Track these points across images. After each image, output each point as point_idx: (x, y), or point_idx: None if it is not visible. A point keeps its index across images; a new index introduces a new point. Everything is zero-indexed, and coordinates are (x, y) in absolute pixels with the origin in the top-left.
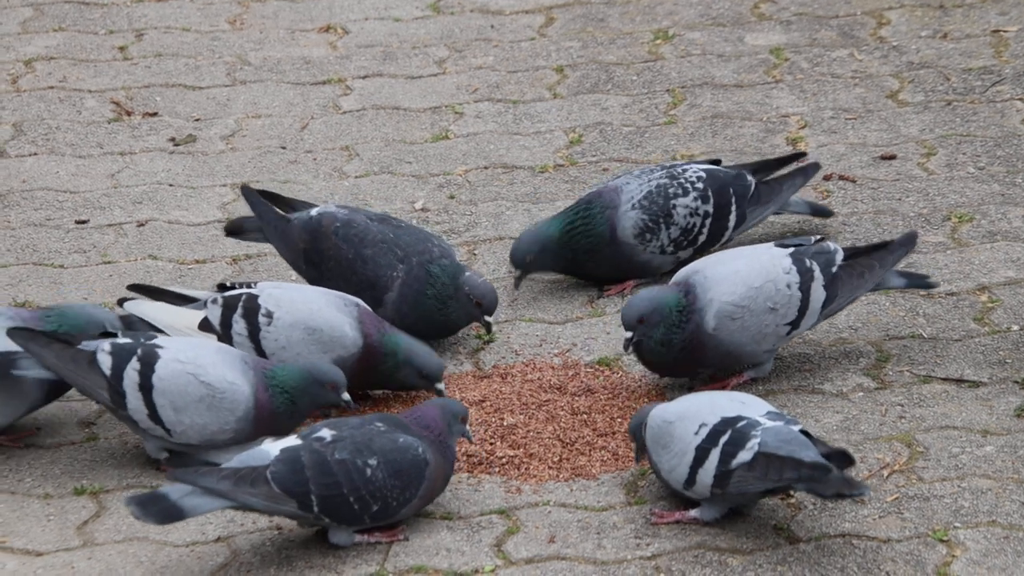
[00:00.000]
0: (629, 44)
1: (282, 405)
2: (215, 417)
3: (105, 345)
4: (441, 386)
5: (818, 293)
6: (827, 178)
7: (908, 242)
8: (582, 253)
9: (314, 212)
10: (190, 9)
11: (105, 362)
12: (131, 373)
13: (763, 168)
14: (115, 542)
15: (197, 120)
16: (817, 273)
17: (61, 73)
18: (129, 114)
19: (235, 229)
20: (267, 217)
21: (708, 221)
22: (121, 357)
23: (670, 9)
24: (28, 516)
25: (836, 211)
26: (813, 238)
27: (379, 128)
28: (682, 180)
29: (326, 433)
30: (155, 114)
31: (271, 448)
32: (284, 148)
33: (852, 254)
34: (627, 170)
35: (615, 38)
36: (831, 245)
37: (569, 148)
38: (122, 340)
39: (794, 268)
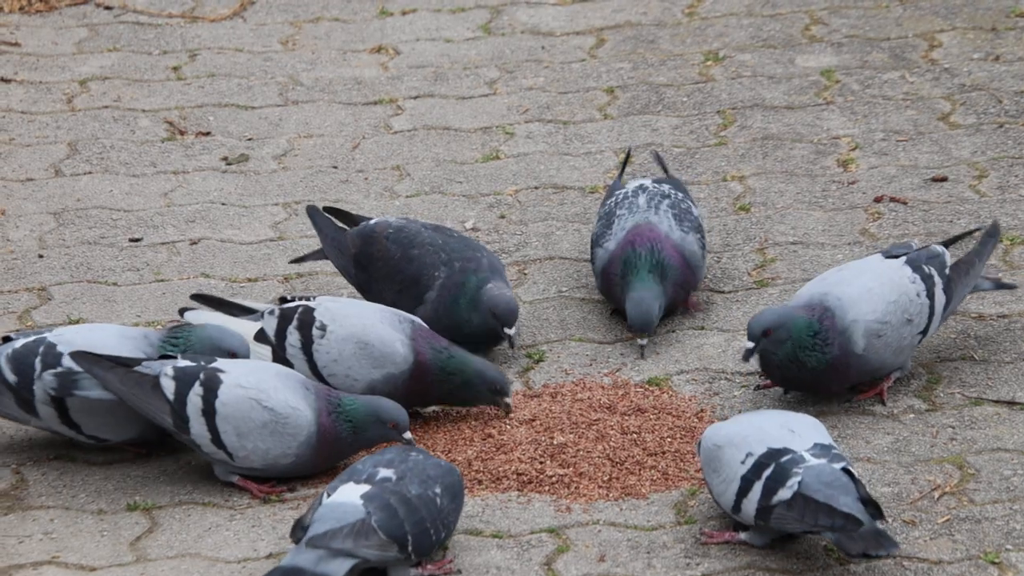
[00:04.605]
0: (679, 66)
1: (345, 432)
2: (277, 442)
3: (168, 369)
4: (509, 400)
5: (940, 297)
6: (878, 200)
7: (994, 232)
8: (672, 285)
9: (372, 221)
10: (243, 30)
11: (168, 387)
12: (194, 398)
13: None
14: (167, 558)
15: (249, 140)
16: (936, 278)
17: (115, 93)
18: (182, 133)
19: (300, 259)
20: (326, 230)
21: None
22: (184, 382)
23: (720, 31)
24: (82, 532)
25: (882, 233)
26: (914, 243)
27: (430, 148)
28: (664, 191)
29: (387, 472)
30: (208, 134)
31: (343, 499)
32: (336, 168)
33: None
34: (608, 211)
35: (665, 59)
36: (938, 248)
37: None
38: (183, 364)
39: (917, 276)
